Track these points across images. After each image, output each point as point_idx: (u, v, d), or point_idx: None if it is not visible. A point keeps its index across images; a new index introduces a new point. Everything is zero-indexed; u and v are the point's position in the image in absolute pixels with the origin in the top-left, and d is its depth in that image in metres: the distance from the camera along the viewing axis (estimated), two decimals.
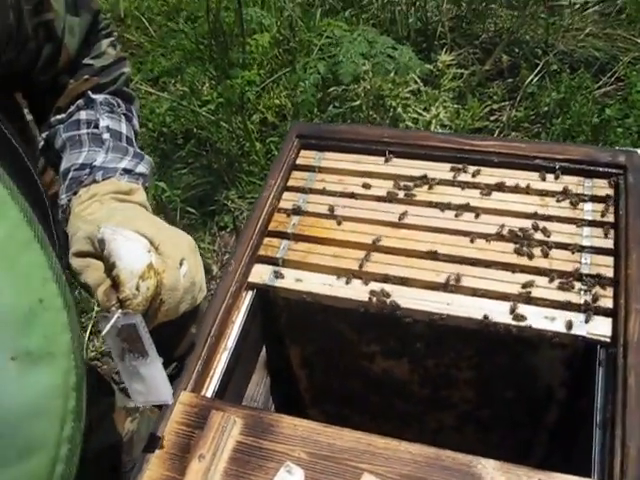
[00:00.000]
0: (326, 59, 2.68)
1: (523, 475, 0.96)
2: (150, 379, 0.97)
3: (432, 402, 1.43)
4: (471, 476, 0.96)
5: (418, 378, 1.39)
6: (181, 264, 0.98)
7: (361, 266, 1.26)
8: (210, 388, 1.15)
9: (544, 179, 1.34)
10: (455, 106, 3.00)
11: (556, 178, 1.34)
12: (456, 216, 1.32)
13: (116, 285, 0.92)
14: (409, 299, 1.21)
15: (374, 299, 1.21)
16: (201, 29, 3.25)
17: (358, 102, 2.90)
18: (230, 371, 1.20)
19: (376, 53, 2.54)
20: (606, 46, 3.34)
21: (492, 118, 3.17)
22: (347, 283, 1.25)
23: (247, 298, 1.27)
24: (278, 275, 1.27)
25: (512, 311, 1.17)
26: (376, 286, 1.23)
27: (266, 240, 1.33)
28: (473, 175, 1.37)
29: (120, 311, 0.92)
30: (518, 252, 1.24)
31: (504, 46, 3.22)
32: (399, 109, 2.88)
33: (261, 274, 1.29)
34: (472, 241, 1.27)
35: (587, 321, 1.15)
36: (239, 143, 3.19)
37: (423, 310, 1.19)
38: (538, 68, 3.18)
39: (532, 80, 3.15)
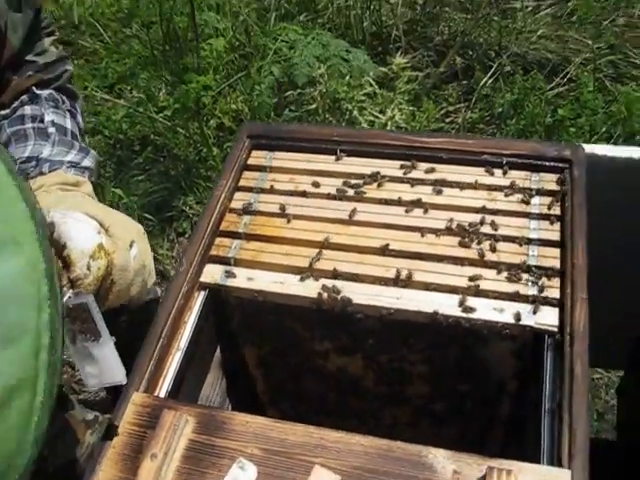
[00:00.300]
0: (281, 62, 2.69)
1: (473, 463, 0.97)
2: (103, 360, 0.98)
3: (387, 398, 1.44)
4: (422, 465, 0.97)
5: (372, 374, 1.40)
6: (131, 246, 1.00)
7: (312, 264, 1.26)
8: (163, 389, 1.15)
9: (492, 174, 1.36)
10: (411, 108, 3.03)
11: (504, 173, 1.36)
12: (406, 212, 1.33)
13: (67, 265, 0.92)
14: (360, 295, 1.22)
15: (325, 295, 1.21)
16: (155, 35, 3.23)
17: (314, 105, 2.92)
18: (183, 372, 1.19)
19: (330, 56, 2.56)
20: (558, 48, 3.40)
21: (448, 120, 3.21)
22: (299, 281, 1.25)
23: (199, 298, 1.27)
24: (230, 274, 1.27)
25: (461, 304, 1.18)
26: (327, 283, 1.23)
27: (218, 240, 1.33)
28: (423, 172, 1.38)
29: (71, 291, 0.92)
30: (466, 246, 1.25)
31: (458, 48, 3.27)
32: (355, 112, 2.90)
33: (213, 274, 1.29)
34: (422, 236, 1.28)
35: (535, 312, 1.17)
36: (196, 149, 3.18)
37: (374, 305, 1.20)
38: (492, 70, 3.24)
39: (486, 82, 3.20)
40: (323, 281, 1.24)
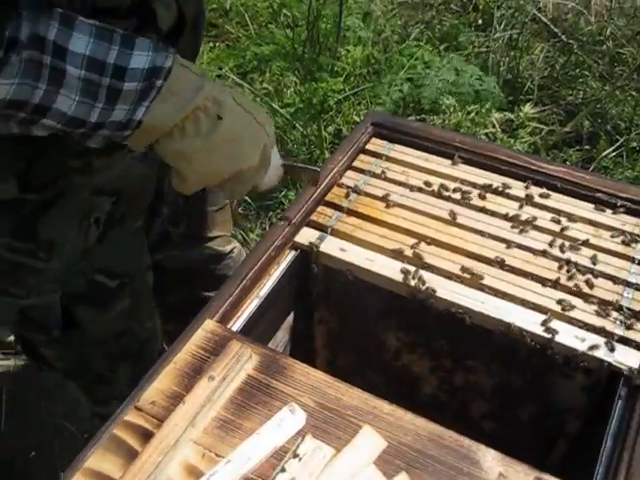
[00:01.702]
0: (412, 80, 2.73)
1: (522, 471, 0.95)
2: None
3: (441, 405, 1.42)
4: (469, 460, 0.96)
5: (435, 379, 1.39)
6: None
7: (405, 251, 1.27)
8: (236, 325, 1.18)
9: (602, 212, 1.35)
10: None
11: (614, 214, 1.34)
12: (509, 227, 1.33)
13: None
14: (445, 290, 1.22)
15: (411, 281, 1.22)
16: (300, 31, 3.33)
17: None
18: (257, 318, 1.22)
19: (463, 83, 2.58)
20: None
21: None
22: (389, 263, 1.26)
23: (289, 256, 1.30)
24: (324, 241, 1.29)
25: (544, 323, 1.16)
26: (416, 270, 1.24)
27: (320, 208, 1.36)
28: (535, 195, 1.38)
29: None
30: (562, 272, 1.24)
31: (588, 112, 3.22)
32: None
33: (308, 237, 1.31)
34: (520, 252, 1.27)
35: (616, 350, 1.14)
36: (309, 149, 3.24)
37: (457, 303, 1.20)
38: (618, 144, 3.17)
39: (609, 154, 3.14)
40: (412, 268, 1.24)
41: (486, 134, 3.01)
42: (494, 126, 2.97)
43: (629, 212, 1.35)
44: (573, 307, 1.19)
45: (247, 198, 3.02)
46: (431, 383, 1.41)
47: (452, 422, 1.43)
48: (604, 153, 3.13)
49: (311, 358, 1.53)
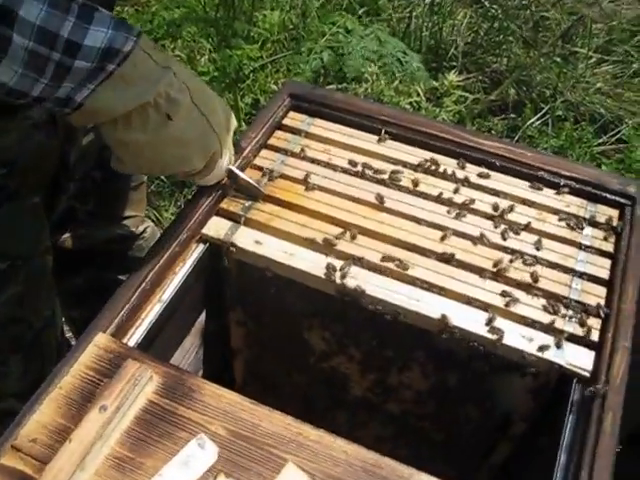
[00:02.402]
0: (333, 49, 2.56)
1: None
2: None
3: (372, 406, 1.29)
4: None
5: (365, 380, 1.25)
6: None
7: (330, 242, 1.12)
8: (133, 338, 1.00)
9: (545, 193, 1.22)
10: None
11: (558, 194, 1.22)
12: (444, 211, 1.19)
13: None
14: (375, 287, 1.07)
15: (338, 280, 1.07)
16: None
17: None
18: (160, 326, 1.04)
19: (386, 54, 2.43)
20: (613, 105, 3.27)
21: None
22: (311, 257, 1.10)
23: (197, 250, 1.12)
24: (236, 232, 1.12)
25: (489, 322, 1.03)
26: (342, 266, 1.08)
27: (231, 194, 1.19)
28: (471, 174, 1.24)
29: None
30: (503, 262, 1.11)
31: (513, 80, 3.13)
32: None
33: (218, 228, 1.14)
34: (457, 240, 1.14)
35: (566, 350, 1.02)
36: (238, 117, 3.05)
37: (389, 302, 1.05)
38: (542, 112, 3.10)
39: (534, 122, 3.07)
40: (338, 263, 1.09)
41: (410, 103, 2.89)
42: (418, 95, 2.84)
43: (574, 192, 1.23)
44: (518, 302, 1.06)
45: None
46: (362, 385, 1.27)
47: (388, 423, 1.32)
48: (529, 122, 3.06)
49: (227, 364, 1.36)
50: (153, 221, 2.39)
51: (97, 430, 0.82)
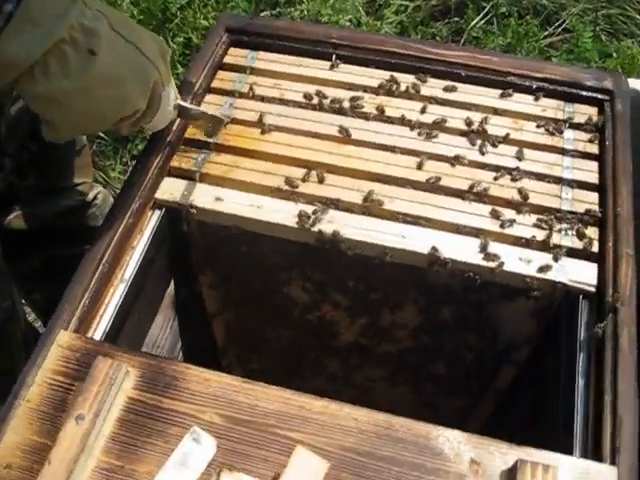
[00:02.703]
0: None
1: (496, 451, 0.76)
2: None
3: (366, 350, 1.22)
4: (431, 451, 0.75)
5: (358, 327, 1.17)
6: None
7: (297, 186, 1.01)
8: (99, 329, 0.89)
9: (518, 99, 1.13)
10: None
11: (536, 100, 1.13)
12: (413, 135, 1.09)
13: None
14: (354, 229, 0.98)
15: (312, 227, 0.97)
16: None
17: None
18: (126, 309, 0.94)
19: None
20: None
21: None
22: (279, 206, 1.00)
23: (153, 219, 1.01)
24: (193, 191, 1.01)
25: (483, 249, 0.95)
26: (315, 211, 0.99)
27: (181, 149, 1.07)
28: (436, 89, 1.14)
29: None
30: (486, 181, 1.03)
31: None
32: None
33: (172, 189, 1.02)
34: (432, 164, 1.05)
35: (567, 266, 0.95)
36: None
37: (372, 243, 0.97)
38: (485, 10, 2.99)
39: (478, 22, 2.96)
40: (310, 209, 0.99)
41: (350, 20, 2.74)
42: (358, 11, 2.69)
43: (548, 94, 1.13)
44: (509, 221, 0.98)
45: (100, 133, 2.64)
46: (353, 330, 1.20)
47: (384, 364, 1.25)
48: (473, 22, 2.95)
49: (207, 330, 1.27)
50: (101, 184, 2.25)
51: (77, 444, 0.72)
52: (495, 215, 0.99)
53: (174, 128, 1.05)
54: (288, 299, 1.16)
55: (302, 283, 1.12)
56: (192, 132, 1.08)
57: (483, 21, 2.99)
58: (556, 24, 3.04)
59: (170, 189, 1.02)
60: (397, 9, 2.89)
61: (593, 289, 0.93)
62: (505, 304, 1.02)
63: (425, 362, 1.22)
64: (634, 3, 3.18)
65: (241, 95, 1.15)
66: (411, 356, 1.21)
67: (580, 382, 0.87)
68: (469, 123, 1.09)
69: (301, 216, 0.98)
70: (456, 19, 3.02)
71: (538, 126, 1.10)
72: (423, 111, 1.12)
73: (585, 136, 1.09)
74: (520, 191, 1.01)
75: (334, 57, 1.18)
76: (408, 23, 2.91)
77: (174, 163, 1.05)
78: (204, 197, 1.01)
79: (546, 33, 3.00)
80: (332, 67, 1.18)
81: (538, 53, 2.88)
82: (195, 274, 1.17)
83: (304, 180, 1.02)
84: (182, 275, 1.16)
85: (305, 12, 2.69)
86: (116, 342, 0.91)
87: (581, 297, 0.94)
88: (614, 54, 2.88)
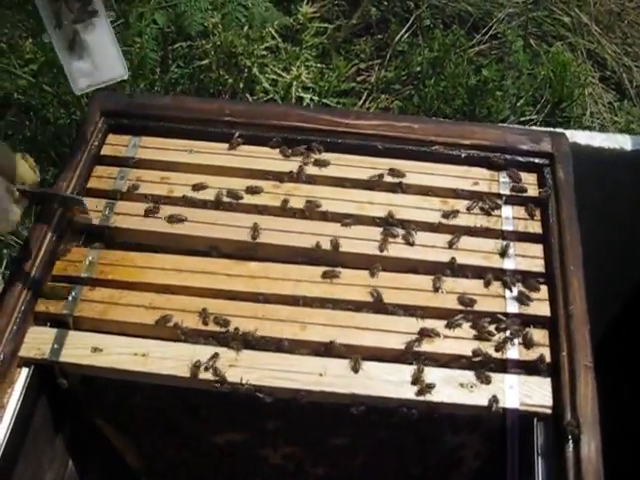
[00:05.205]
0: (167, 9, 2.20)
1: None
2: (99, 47, 0.83)
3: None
4: None
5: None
6: None
7: (191, 323, 0.84)
8: None
9: (446, 172, 0.98)
10: (319, 65, 2.66)
11: (461, 170, 0.98)
12: (331, 231, 0.93)
13: None
14: (267, 370, 0.81)
15: (210, 375, 0.80)
16: None
17: (207, 61, 2.49)
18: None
19: (225, 1, 2.09)
20: (479, 1, 3.08)
21: (359, 79, 2.84)
22: (170, 351, 0.82)
23: (21, 378, 0.82)
24: (65, 342, 0.82)
25: (416, 380, 0.79)
26: (211, 358, 0.81)
27: (47, 287, 0.87)
28: (350, 169, 0.99)
29: None
30: (415, 285, 0.87)
31: None
32: (255, 69, 2.50)
33: (39, 343, 0.83)
34: (349, 271, 0.89)
35: (517, 386, 0.80)
36: (68, 111, 2.66)
37: (287, 388, 0.80)
38: (409, 23, 2.87)
39: (402, 37, 2.84)
40: (206, 353, 0.81)
41: (267, 48, 2.59)
42: (274, 38, 2.54)
43: (479, 162, 0.99)
44: (443, 337, 0.83)
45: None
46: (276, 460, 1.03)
47: None
48: (397, 37, 2.83)
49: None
50: None
51: None
52: (426, 333, 0.83)
53: (37, 262, 0.86)
54: (207, 445, 0.98)
55: (225, 435, 0.95)
56: (61, 266, 0.89)
57: (408, 34, 2.88)
58: (483, 31, 2.94)
59: (37, 342, 0.83)
60: (316, 31, 2.74)
61: (549, 410, 0.79)
62: (450, 434, 0.86)
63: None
64: (559, 4, 3.12)
65: (122, 196, 0.97)
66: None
67: None
68: (390, 213, 0.94)
69: (195, 365, 0.80)
70: (379, 36, 2.90)
71: (471, 206, 0.95)
72: (337, 196, 0.96)
73: (525, 212, 0.95)
74: (459, 299, 0.86)
75: (235, 136, 1.01)
76: (329, 45, 2.77)
77: (40, 307, 0.86)
78: (79, 349, 0.82)
79: (474, 42, 2.90)
80: (230, 148, 1.01)
81: (467, 64, 2.78)
82: (91, 427, 0.98)
83: (200, 314, 0.85)
84: (75, 428, 0.97)
85: (218, 43, 2.52)
86: None
87: (535, 420, 0.79)
88: (546, 62, 2.79)
